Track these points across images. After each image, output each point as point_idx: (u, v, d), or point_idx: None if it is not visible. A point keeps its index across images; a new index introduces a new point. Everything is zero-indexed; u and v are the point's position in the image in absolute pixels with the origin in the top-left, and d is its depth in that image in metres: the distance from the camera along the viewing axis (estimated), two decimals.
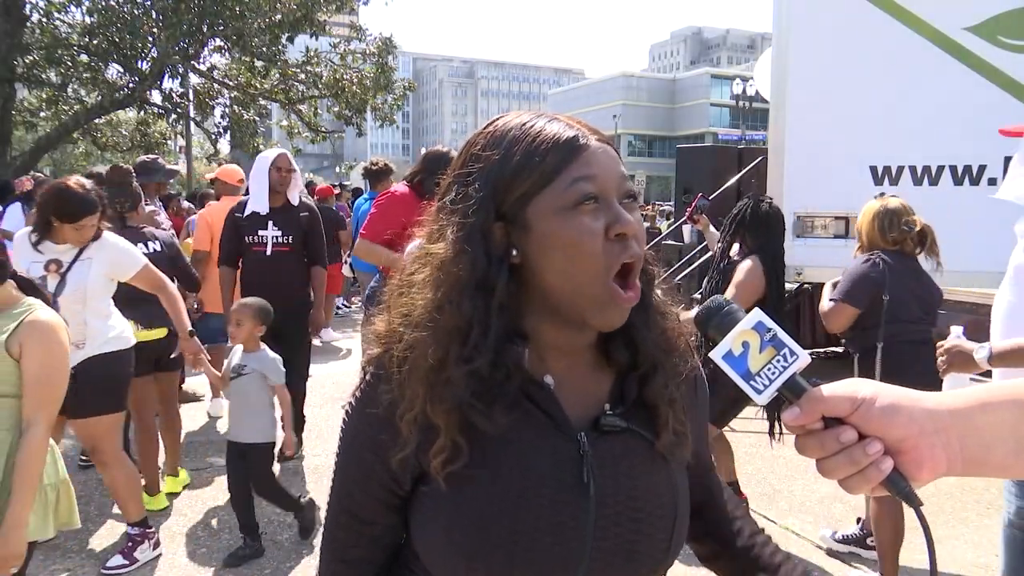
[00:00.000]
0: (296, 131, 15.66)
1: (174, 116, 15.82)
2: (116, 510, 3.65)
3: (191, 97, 15.29)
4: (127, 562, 3.29)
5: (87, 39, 13.09)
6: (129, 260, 3.33)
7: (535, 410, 0.89)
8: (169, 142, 18.98)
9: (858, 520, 3.61)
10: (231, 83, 15.20)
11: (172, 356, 4.00)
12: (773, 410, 3.50)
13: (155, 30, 12.78)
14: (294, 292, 4.46)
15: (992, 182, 4.62)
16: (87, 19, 13.40)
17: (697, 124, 79.77)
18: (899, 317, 3.10)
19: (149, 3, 12.95)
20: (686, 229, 7.97)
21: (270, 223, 4.34)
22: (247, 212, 4.36)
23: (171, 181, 7.26)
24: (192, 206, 8.79)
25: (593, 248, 0.84)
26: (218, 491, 4.10)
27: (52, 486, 2.16)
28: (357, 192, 10.73)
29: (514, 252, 0.87)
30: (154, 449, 3.94)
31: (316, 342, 7.84)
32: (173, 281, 4.26)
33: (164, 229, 4.71)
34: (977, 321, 4.26)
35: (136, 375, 3.77)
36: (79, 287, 3.14)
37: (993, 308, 2.08)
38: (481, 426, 0.85)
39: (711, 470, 1.15)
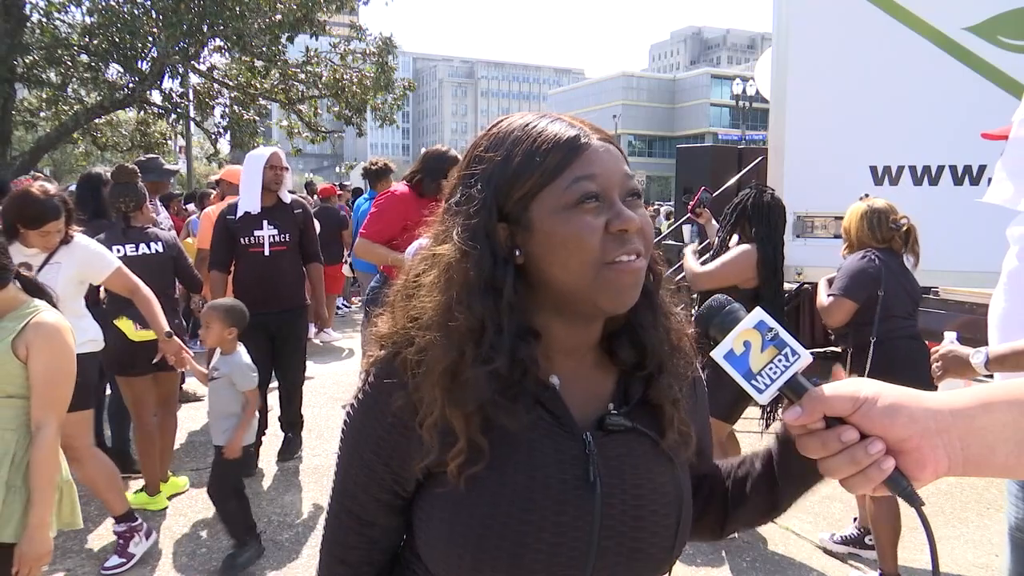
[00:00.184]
0: (296, 131, 15.64)
1: (174, 116, 15.79)
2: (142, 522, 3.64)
3: (191, 97, 15.27)
4: (124, 559, 3.30)
5: (87, 39, 13.07)
6: (100, 263, 3.31)
7: (541, 410, 0.90)
8: (169, 142, 18.92)
9: (854, 520, 3.62)
10: (231, 83, 15.18)
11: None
12: (771, 408, 3.51)
13: (155, 30, 12.76)
14: (293, 292, 4.45)
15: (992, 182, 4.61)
16: (87, 19, 13.38)
17: (697, 124, 79.77)
18: (893, 312, 3.19)
19: (149, 3, 12.94)
20: (686, 229, 7.98)
21: (265, 223, 4.28)
22: (239, 213, 4.28)
23: (171, 181, 7.25)
24: (193, 207, 8.79)
25: (592, 243, 0.84)
26: None
27: (55, 486, 2.17)
28: (357, 192, 10.72)
29: (517, 252, 0.88)
30: (154, 449, 3.94)
31: (316, 342, 7.87)
32: (175, 282, 4.29)
33: (163, 229, 4.70)
34: (975, 321, 4.27)
35: (135, 375, 3.78)
36: None
37: (988, 313, 2.09)
38: (506, 424, 0.85)
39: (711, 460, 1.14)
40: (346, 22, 16.49)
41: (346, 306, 10.45)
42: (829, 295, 3.25)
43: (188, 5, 12.43)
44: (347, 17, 16.22)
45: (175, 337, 3.42)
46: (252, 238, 4.28)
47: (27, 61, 13.02)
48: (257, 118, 15.80)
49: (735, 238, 3.60)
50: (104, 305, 3.90)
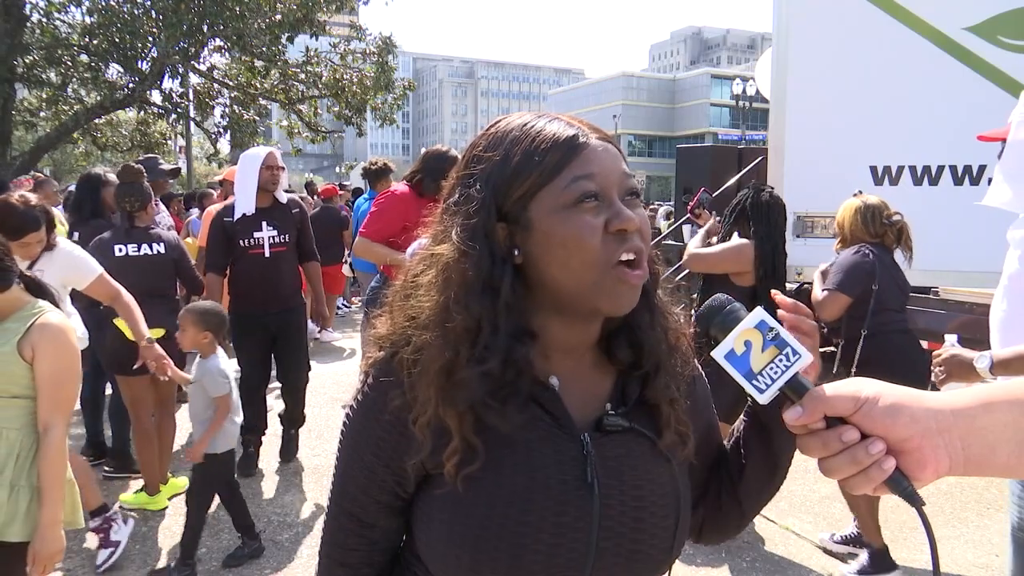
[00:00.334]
0: (296, 131, 15.63)
1: (174, 116, 15.78)
2: (115, 509, 3.65)
3: (191, 97, 15.26)
4: (111, 548, 3.32)
5: (87, 39, 13.06)
6: (83, 270, 3.30)
7: (539, 411, 0.89)
8: (169, 142, 18.93)
9: (854, 520, 3.62)
10: (231, 83, 15.18)
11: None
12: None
13: (155, 30, 12.75)
14: (292, 292, 4.45)
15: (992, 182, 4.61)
16: (87, 19, 13.37)
17: (697, 124, 79.79)
18: (886, 306, 3.26)
19: (149, 3, 12.93)
20: (686, 229, 7.97)
21: (264, 224, 4.26)
22: (236, 215, 4.24)
23: (171, 181, 7.25)
24: (195, 210, 8.77)
25: (592, 243, 0.84)
26: None
27: (64, 485, 2.18)
28: (357, 192, 10.72)
29: (516, 252, 0.87)
30: (152, 449, 3.94)
31: (320, 339, 7.87)
32: (176, 283, 4.29)
33: (163, 228, 4.70)
34: (975, 321, 4.27)
35: (134, 375, 3.77)
36: None
37: (990, 317, 2.08)
38: (497, 425, 0.85)
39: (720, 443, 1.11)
40: (346, 22, 16.48)
41: (346, 306, 10.45)
42: (824, 289, 3.31)
43: (188, 5, 12.42)
44: (347, 17, 16.22)
45: (155, 344, 3.35)
46: (252, 240, 4.26)
47: (27, 61, 13.01)
48: (257, 118, 15.80)
49: (735, 237, 3.61)
50: (103, 306, 3.90)
